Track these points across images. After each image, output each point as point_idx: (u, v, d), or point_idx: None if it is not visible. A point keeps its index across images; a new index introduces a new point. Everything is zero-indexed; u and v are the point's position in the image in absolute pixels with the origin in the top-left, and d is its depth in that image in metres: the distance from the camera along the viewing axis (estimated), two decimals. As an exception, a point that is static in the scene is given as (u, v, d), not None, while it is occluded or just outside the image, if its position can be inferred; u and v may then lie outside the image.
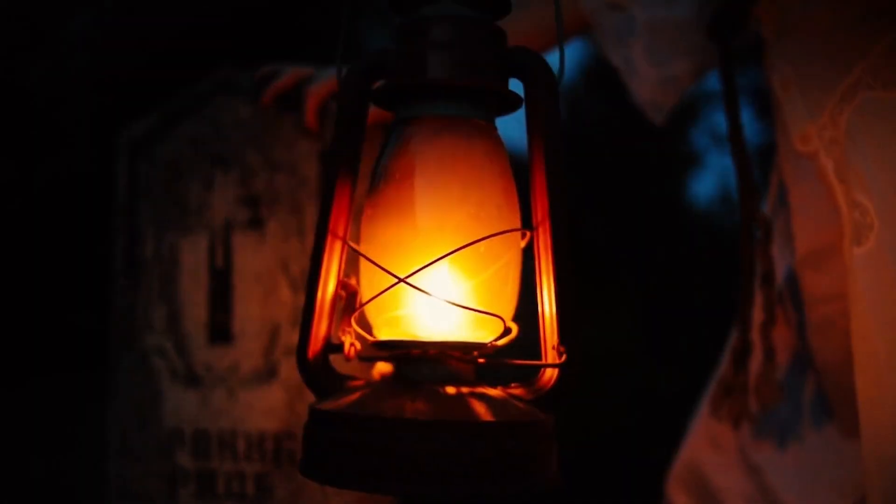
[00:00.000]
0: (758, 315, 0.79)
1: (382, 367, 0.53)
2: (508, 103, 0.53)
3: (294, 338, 0.84)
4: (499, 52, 0.51)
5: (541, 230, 0.51)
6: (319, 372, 0.53)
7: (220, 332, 0.87)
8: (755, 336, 0.79)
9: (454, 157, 0.51)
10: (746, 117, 0.80)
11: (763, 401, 0.77)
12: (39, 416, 2.85)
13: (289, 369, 0.84)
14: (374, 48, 0.54)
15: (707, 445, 0.91)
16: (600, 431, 2.66)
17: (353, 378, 0.54)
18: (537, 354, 0.51)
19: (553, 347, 0.50)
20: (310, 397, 0.82)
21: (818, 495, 0.80)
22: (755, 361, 0.78)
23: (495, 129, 0.53)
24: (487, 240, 0.49)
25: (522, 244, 0.52)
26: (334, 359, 0.54)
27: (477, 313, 0.49)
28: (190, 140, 0.92)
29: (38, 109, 3.48)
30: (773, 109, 0.78)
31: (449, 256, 0.48)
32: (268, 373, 0.85)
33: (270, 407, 0.84)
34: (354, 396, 0.49)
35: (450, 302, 0.48)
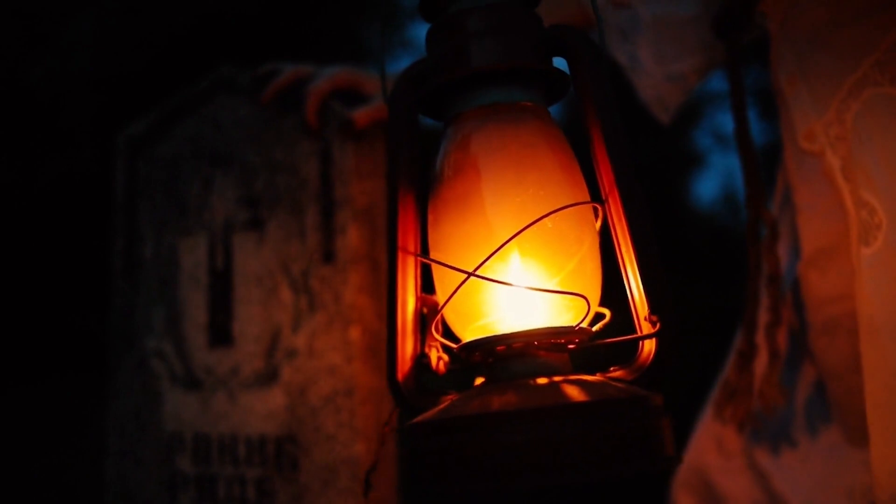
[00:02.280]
0: (763, 316, 0.77)
1: (480, 382, 0.51)
2: (558, 85, 0.52)
3: (295, 340, 0.83)
4: (538, 33, 0.50)
5: (611, 201, 0.49)
6: (411, 393, 0.51)
7: (221, 334, 0.86)
8: (760, 338, 0.77)
9: (515, 144, 0.49)
10: (750, 118, 0.79)
11: (767, 403, 0.76)
12: (39, 419, 2.84)
13: (290, 372, 0.83)
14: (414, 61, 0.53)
15: (712, 449, 0.90)
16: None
17: (447, 392, 0.52)
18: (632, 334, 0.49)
19: (645, 319, 0.48)
20: (311, 400, 0.82)
21: (827, 501, 0.79)
22: (760, 363, 0.77)
23: (547, 111, 0.52)
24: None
25: (598, 226, 0.50)
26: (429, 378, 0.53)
27: (560, 302, 0.47)
28: (189, 139, 0.91)
29: (39, 110, 3.48)
30: (779, 107, 0.77)
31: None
32: (269, 376, 0.84)
33: (271, 410, 0.83)
34: (443, 405, 0.48)
35: (533, 288, 0.46)
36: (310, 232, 0.84)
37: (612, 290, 0.51)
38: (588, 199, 0.50)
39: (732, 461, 0.88)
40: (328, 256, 0.84)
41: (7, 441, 2.64)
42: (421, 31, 0.54)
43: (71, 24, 3.61)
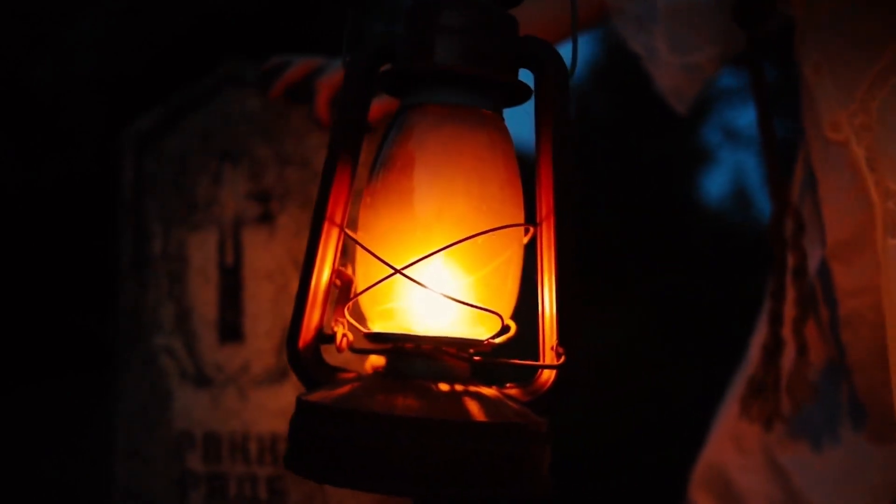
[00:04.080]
0: (789, 310, 0.76)
1: (375, 361, 0.53)
2: (517, 94, 0.52)
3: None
4: (509, 41, 0.50)
5: (544, 226, 0.50)
6: (310, 363, 0.52)
7: (231, 330, 0.85)
8: (787, 332, 0.76)
9: (458, 147, 0.50)
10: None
11: (796, 400, 0.75)
12: (40, 419, 2.84)
13: (301, 369, 0.82)
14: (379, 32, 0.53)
15: (731, 446, 0.89)
16: (613, 434, 2.65)
17: (345, 370, 0.53)
18: (536, 354, 0.50)
19: (552, 348, 0.49)
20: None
21: (848, 498, 0.78)
22: (787, 359, 0.76)
23: (502, 119, 0.52)
24: (489, 234, 0.48)
25: (525, 240, 0.51)
26: (326, 350, 0.53)
27: (474, 309, 0.48)
28: (198, 134, 0.90)
29: (41, 110, 3.48)
30: (802, 96, 0.76)
31: (448, 250, 0.47)
32: (280, 372, 0.83)
33: (283, 408, 0.82)
34: (345, 390, 0.48)
35: (447, 296, 0.47)
36: (321, 226, 0.83)
37: (526, 304, 0.52)
38: (523, 215, 0.51)
39: (751, 458, 0.86)
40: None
41: (8, 441, 2.64)
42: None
43: (72, 25, 3.61)
